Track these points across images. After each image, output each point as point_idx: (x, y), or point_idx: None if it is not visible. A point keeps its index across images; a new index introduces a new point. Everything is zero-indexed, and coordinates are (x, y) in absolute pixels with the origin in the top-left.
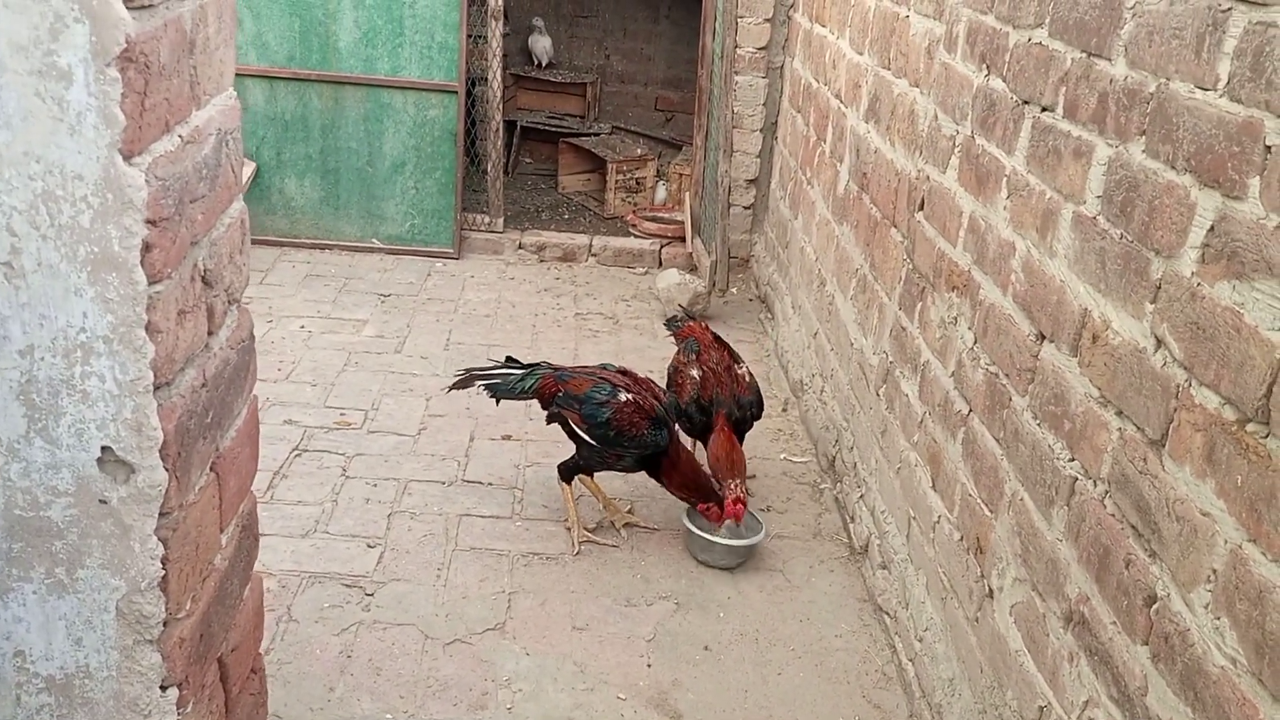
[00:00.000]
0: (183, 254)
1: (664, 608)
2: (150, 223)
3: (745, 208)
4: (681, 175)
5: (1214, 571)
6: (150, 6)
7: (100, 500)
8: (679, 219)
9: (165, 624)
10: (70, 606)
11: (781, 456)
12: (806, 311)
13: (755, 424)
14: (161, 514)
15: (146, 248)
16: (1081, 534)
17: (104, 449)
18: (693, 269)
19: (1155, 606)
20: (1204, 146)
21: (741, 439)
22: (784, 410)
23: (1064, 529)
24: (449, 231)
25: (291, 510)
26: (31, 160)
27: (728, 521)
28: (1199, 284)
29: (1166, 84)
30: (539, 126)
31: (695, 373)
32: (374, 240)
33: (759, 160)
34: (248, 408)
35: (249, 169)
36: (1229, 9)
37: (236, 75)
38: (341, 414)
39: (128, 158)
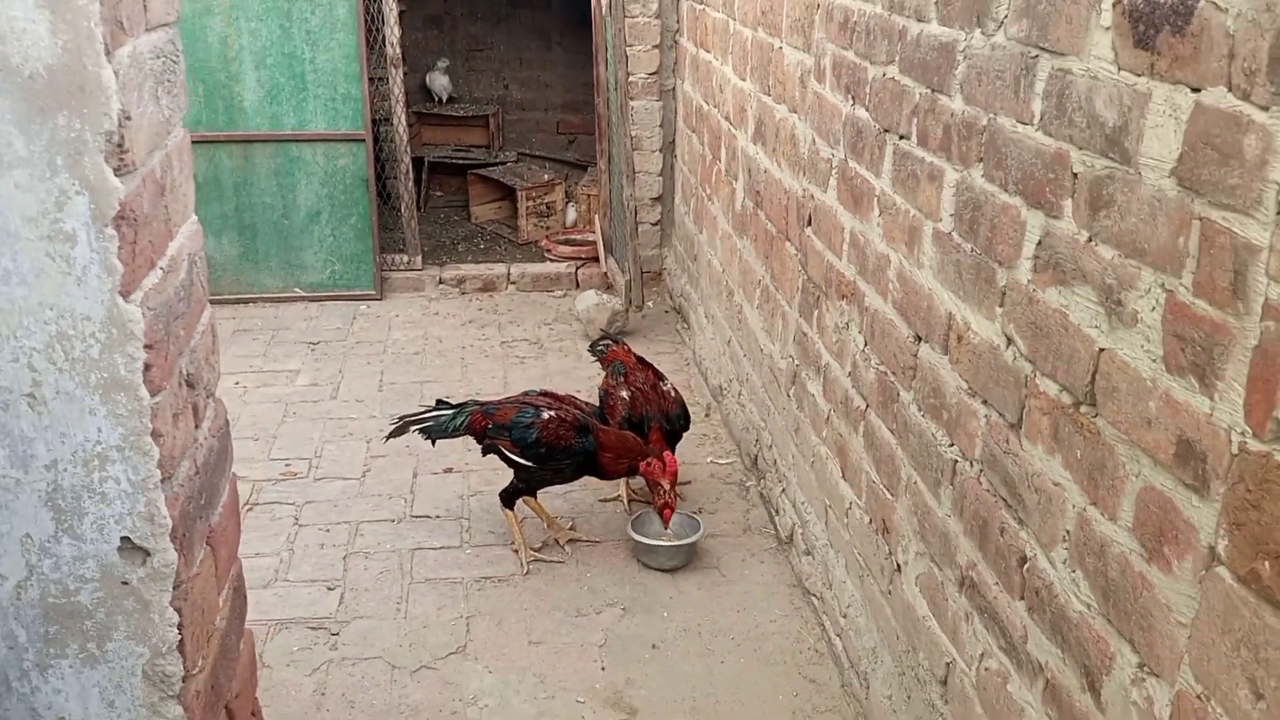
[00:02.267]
0: (173, 367)
1: (612, 614)
2: (148, 347)
3: (653, 224)
4: (589, 196)
5: (1067, 532)
6: (134, 170)
7: (123, 582)
8: (591, 239)
9: (184, 680)
10: (102, 675)
11: (708, 460)
12: (719, 320)
13: (684, 434)
14: (174, 587)
15: (146, 368)
16: (964, 509)
17: (123, 539)
18: (609, 288)
19: (1026, 566)
20: (1027, 173)
21: (673, 449)
22: (707, 415)
23: (951, 506)
24: (369, 274)
25: (250, 563)
26: (45, 308)
27: (668, 523)
28: (1034, 290)
29: (994, 118)
30: (446, 161)
31: (625, 394)
32: (296, 289)
33: (661, 179)
34: (229, 485)
35: None
36: (1036, 55)
37: None
38: (287, 464)
39: (125, 296)
